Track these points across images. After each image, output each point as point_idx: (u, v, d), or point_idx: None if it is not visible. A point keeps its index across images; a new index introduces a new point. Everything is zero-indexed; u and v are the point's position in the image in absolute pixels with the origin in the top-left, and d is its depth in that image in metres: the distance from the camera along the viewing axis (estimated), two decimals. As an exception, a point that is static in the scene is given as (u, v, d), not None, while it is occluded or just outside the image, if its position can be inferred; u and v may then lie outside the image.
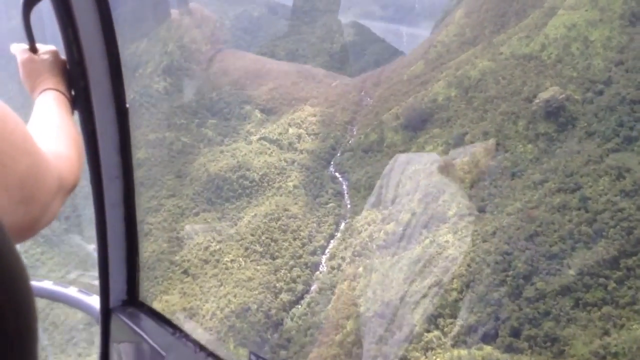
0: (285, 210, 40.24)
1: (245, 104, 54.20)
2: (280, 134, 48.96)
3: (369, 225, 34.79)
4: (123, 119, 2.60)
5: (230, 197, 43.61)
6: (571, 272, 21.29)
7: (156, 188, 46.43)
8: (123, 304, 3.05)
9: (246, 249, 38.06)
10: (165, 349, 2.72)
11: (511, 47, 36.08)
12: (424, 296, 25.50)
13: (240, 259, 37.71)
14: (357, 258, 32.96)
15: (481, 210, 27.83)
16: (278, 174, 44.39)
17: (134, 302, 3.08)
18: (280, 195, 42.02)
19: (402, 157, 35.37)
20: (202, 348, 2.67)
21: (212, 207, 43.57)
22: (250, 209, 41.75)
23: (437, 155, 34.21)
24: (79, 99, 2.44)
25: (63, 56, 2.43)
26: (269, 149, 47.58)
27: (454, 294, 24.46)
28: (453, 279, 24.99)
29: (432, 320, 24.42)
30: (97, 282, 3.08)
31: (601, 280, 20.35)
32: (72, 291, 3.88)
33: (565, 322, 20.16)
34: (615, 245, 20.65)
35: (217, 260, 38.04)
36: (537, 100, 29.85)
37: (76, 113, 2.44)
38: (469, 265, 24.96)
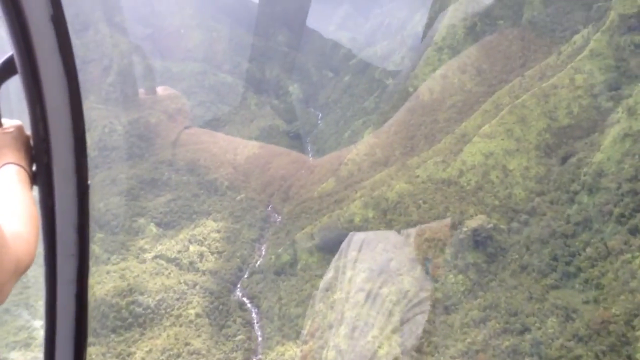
0: (187, 344, 34.98)
1: (138, 217, 49.25)
2: (179, 251, 44.33)
3: (287, 363, 30.79)
4: (83, 197, 2.55)
5: (118, 327, 37.43)
6: None
7: (26, 316, 39.24)
8: None
9: (138, 395, 31.99)
10: None
11: (427, 171, 36.04)
12: None
13: (130, 409, 31.45)
14: (275, 406, 28.48)
15: (418, 350, 25.30)
16: (177, 299, 39.23)
17: None
18: (180, 326, 36.74)
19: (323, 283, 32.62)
20: None
21: (95, 339, 37.02)
22: (143, 342, 35.84)
23: (361, 281, 31.84)
24: (41, 174, 2.48)
25: (28, 131, 2.47)
26: (167, 269, 42.54)
27: None
28: None
29: None
30: None
31: None
32: None
33: None
34: (580, 400, 18.82)
35: (100, 412, 31.51)
36: (464, 229, 29.07)
37: (35, 188, 2.46)
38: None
